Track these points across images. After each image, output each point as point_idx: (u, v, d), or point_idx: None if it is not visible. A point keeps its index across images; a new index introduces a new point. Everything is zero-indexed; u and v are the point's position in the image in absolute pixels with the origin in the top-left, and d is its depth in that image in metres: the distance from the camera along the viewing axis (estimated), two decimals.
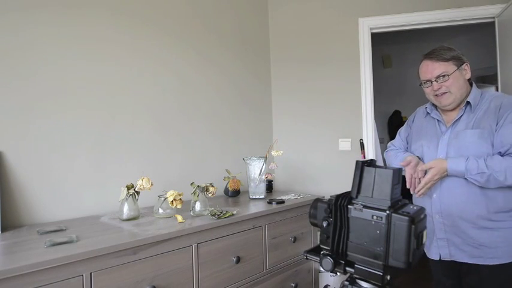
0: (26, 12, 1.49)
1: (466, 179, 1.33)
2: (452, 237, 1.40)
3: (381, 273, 0.64)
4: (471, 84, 1.45)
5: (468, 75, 1.42)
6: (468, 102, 1.40)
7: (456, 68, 1.39)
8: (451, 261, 1.42)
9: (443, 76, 1.38)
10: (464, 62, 1.41)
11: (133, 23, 1.83)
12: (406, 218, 0.61)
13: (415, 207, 0.65)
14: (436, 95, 1.42)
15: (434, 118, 1.51)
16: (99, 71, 1.70)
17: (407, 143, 1.66)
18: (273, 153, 2.00)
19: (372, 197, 0.67)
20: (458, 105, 1.42)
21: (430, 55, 1.42)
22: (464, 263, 1.38)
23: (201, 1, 2.18)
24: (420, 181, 1.41)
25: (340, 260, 0.69)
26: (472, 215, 1.34)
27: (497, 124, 1.31)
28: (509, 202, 1.32)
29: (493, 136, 1.31)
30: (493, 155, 1.31)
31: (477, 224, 1.33)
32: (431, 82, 1.41)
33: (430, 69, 1.41)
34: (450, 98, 1.40)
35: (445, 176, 1.37)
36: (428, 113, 1.55)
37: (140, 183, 1.46)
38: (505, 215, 1.32)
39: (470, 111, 1.40)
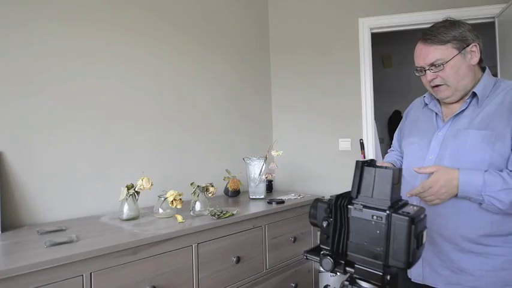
0: (25, 21, 1.49)
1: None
2: (428, 257, 1.14)
3: (380, 273, 0.64)
4: (484, 69, 1.15)
5: (475, 60, 1.10)
6: (474, 94, 1.11)
7: (457, 52, 1.08)
8: (425, 286, 1.17)
9: (438, 65, 1.10)
10: (470, 43, 1.09)
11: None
12: (406, 218, 0.61)
13: (415, 207, 0.65)
14: (432, 86, 1.16)
15: (432, 110, 1.24)
16: (99, 73, 1.70)
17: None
18: (273, 153, 2.00)
19: (372, 197, 0.67)
20: (463, 97, 1.14)
21: (425, 36, 1.13)
22: None
23: (200, 4, 2.18)
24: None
25: (340, 260, 0.69)
26: (455, 234, 1.08)
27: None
28: (508, 223, 1.05)
29: (502, 141, 1.02)
30: (508, 169, 1.02)
31: (459, 245, 1.08)
32: (425, 70, 1.14)
33: (423, 54, 1.13)
34: (447, 91, 1.13)
35: (453, 195, 1.04)
36: (426, 103, 1.28)
37: (140, 183, 1.46)
38: (498, 240, 1.05)
39: (476, 104, 1.11)
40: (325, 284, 2.14)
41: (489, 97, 1.10)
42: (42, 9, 1.53)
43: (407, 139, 1.31)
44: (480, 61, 1.13)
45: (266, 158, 1.99)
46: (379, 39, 2.78)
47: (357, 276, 0.67)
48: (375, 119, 2.57)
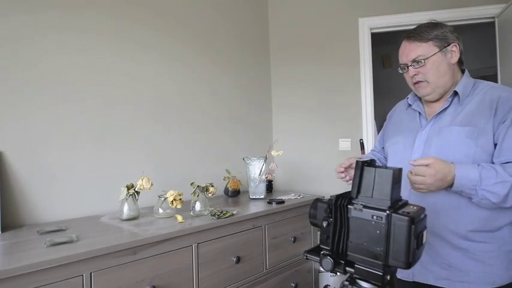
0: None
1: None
2: None
3: (380, 273, 0.64)
4: (463, 71, 1.21)
5: (455, 59, 1.16)
6: (456, 93, 1.15)
7: (438, 50, 1.14)
8: (414, 283, 1.17)
9: (419, 61, 1.15)
10: (450, 43, 1.15)
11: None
12: (406, 218, 0.61)
13: (415, 207, 0.65)
14: (414, 83, 1.20)
15: (415, 110, 1.28)
16: (100, 74, 1.70)
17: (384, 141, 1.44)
18: (273, 153, 2.00)
19: (372, 197, 0.67)
20: (443, 95, 1.19)
21: (409, 34, 1.20)
22: (429, 285, 1.15)
23: (200, 11, 2.18)
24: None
25: (340, 260, 0.69)
26: (444, 229, 1.10)
27: (494, 125, 1.06)
28: (497, 219, 1.06)
29: (484, 137, 1.06)
30: (491, 162, 1.05)
31: (448, 241, 1.10)
32: (408, 67, 1.20)
33: (406, 51, 1.19)
34: (428, 88, 1.17)
35: (442, 189, 1.02)
36: (409, 104, 1.31)
37: (140, 183, 1.46)
38: (486, 236, 1.07)
39: (458, 103, 1.15)
40: (325, 284, 2.14)
41: (469, 96, 1.15)
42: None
43: (391, 139, 1.33)
44: (460, 62, 1.19)
45: (266, 158, 1.99)
46: (379, 39, 2.78)
47: (357, 276, 0.67)
48: (375, 119, 2.57)
